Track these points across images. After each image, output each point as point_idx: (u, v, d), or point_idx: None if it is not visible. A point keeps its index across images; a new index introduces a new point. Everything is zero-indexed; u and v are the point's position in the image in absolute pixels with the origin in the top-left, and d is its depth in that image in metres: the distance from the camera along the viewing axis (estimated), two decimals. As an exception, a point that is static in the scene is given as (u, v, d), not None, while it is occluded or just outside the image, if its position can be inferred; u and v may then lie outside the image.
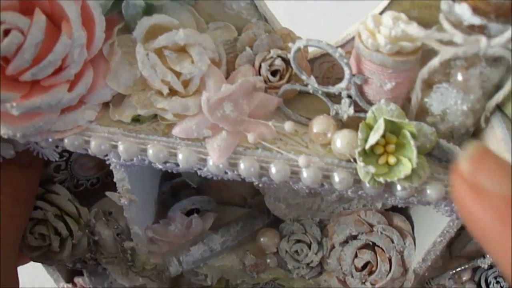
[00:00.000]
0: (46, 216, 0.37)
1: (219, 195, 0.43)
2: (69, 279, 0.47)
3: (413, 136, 0.28)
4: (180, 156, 0.30)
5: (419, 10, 0.30)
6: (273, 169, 0.29)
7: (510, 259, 0.18)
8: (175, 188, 0.42)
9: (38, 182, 0.37)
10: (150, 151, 0.30)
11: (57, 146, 0.33)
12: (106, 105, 0.32)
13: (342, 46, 0.32)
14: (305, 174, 0.29)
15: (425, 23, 0.30)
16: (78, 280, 0.46)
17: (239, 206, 0.44)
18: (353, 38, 0.32)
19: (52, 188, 0.38)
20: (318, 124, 0.30)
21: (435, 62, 0.27)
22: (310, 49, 0.32)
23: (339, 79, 0.34)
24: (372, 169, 0.28)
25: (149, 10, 0.31)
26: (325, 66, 0.33)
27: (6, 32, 0.28)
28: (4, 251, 0.33)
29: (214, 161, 0.29)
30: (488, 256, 0.36)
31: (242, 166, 0.30)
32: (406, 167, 0.27)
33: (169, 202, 0.42)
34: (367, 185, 0.29)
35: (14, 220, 0.34)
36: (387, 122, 0.28)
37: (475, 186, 0.19)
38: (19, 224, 0.35)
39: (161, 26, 0.30)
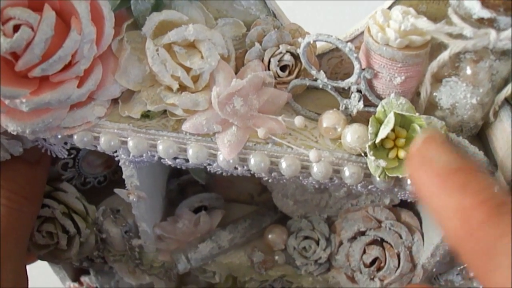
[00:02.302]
0: (54, 214, 0.37)
1: (226, 192, 0.43)
2: (76, 278, 0.47)
3: (423, 129, 0.28)
4: (190, 152, 0.30)
5: (427, 4, 0.30)
6: (283, 164, 0.29)
7: (449, 218, 0.22)
8: (182, 185, 0.42)
9: (46, 180, 0.37)
10: (160, 147, 0.30)
11: (65, 143, 0.33)
12: (115, 101, 0.32)
13: (350, 41, 0.32)
14: (315, 168, 0.29)
15: (434, 18, 0.30)
16: (84, 279, 0.46)
17: (246, 203, 0.44)
18: (361, 33, 0.32)
19: (59, 186, 0.38)
20: (328, 119, 0.30)
21: (444, 55, 0.27)
22: (318, 45, 0.33)
23: (348, 74, 0.34)
24: (382, 163, 0.28)
25: (158, 6, 0.31)
26: (333, 62, 0.33)
27: (16, 28, 0.28)
28: (13, 249, 0.33)
29: (225, 157, 0.29)
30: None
31: (252, 161, 0.30)
32: (416, 161, 0.28)
33: (176, 199, 0.42)
34: (377, 179, 0.29)
35: (22, 217, 0.34)
36: (397, 116, 0.28)
37: (425, 158, 0.24)
38: (27, 221, 0.35)
39: (170, 22, 0.30)
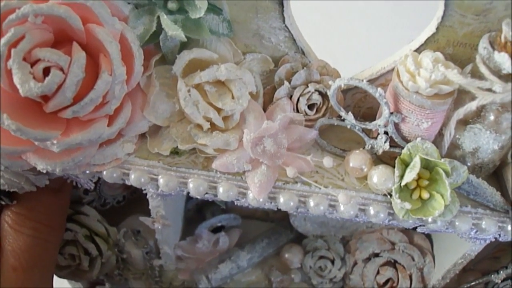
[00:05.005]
0: (76, 237, 0.38)
1: (242, 209, 0.44)
2: (91, 289, 0.48)
3: (447, 174, 0.29)
4: (220, 190, 0.31)
5: (454, 47, 0.30)
6: (311, 203, 0.30)
7: None
8: (199, 205, 0.43)
9: (68, 205, 0.37)
10: (190, 185, 0.31)
11: (93, 176, 0.33)
12: (142, 135, 0.32)
13: (376, 79, 0.33)
14: (342, 208, 0.30)
15: (459, 60, 0.31)
16: (100, 289, 0.47)
17: (261, 220, 0.45)
18: (387, 72, 0.32)
19: (81, 210, 0.38)
20: (355, 159, 0.31)
21: (472, 106, 0.28)
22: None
23: (371, 108, 0.35)
24: (407, 205, 0.29)
25: (186, 43, 0.31)
26: (357, 96, 0.34)
27: (45, 70, 0.27)
28: (41, 278, 0.33)
29: (255, 196, 0.30)
30: (501, 271, 0.38)
31: (281, 199, 0.30)
32: (439, 203, 0.29)
33: (194, 219, 0.42)
34: (401, 218, 0.30)
35: (48, 246, 0.34)
36: (423, 160, 0.29)
37: None
38: (53, 249, 0.35)
39: (200, 60, 0.30)
